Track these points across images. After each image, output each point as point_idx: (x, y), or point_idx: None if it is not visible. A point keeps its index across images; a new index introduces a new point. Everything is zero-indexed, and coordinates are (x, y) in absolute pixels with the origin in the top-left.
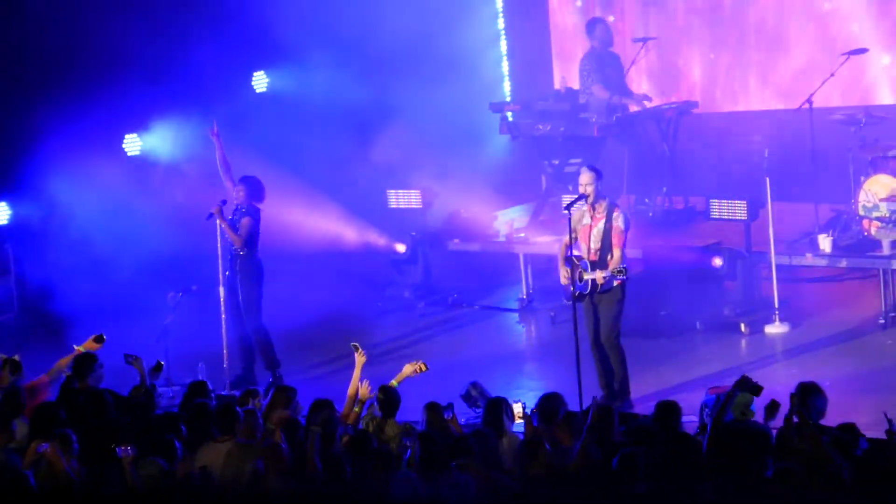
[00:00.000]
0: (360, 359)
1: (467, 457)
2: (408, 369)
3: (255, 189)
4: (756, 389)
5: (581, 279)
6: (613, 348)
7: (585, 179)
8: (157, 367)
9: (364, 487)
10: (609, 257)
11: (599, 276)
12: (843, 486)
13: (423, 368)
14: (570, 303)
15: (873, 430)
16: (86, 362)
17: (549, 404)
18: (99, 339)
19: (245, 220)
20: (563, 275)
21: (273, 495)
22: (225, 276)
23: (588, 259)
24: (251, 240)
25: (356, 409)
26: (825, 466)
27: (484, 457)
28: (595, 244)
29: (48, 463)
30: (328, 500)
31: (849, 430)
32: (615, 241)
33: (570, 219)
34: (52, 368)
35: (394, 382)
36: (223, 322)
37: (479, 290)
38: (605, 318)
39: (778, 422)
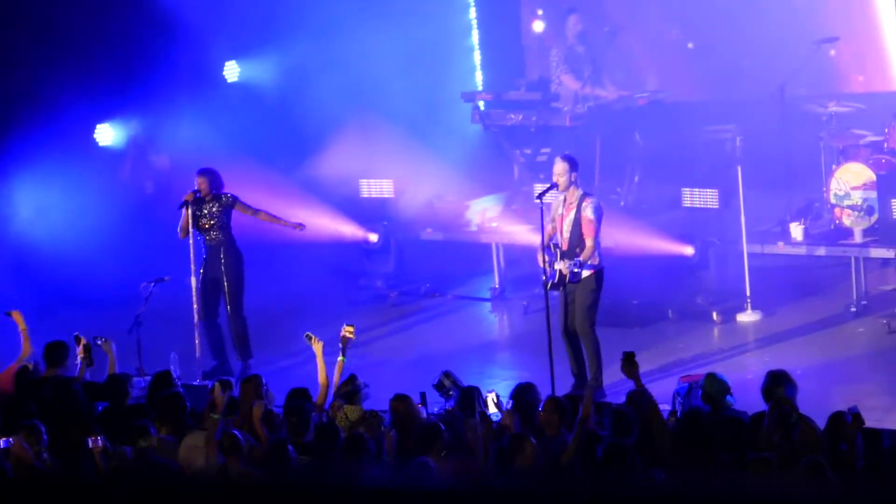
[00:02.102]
0: (316, 346)
1: (437, 442)
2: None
3: (219, 179)
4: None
5: (553, 268)
6: (587, 336)
7: (558, 169)
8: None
9: (334, 475)
10: (578, 248)
11: (563, 266)
12: (825, 476)
13: (350, 331)
14: (543, 291)
15: None
16: (59, 351)
17: (524, 396)
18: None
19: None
20: (541, 259)
21: (238, 484)
22: (203, 263)
23: (561, 248)
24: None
25: (319, 400)
26: (807, 456)
27: (453, 442)
28: (566, 234)
29: (15, 457)
30: (297, 488)
31: (837, 421)
32: (585, 231)
33: (542, 209)
34: (20, 356)
35: (341, 357)
36: (195, 312)
37: (452, 280)
38: (579, 307)
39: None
